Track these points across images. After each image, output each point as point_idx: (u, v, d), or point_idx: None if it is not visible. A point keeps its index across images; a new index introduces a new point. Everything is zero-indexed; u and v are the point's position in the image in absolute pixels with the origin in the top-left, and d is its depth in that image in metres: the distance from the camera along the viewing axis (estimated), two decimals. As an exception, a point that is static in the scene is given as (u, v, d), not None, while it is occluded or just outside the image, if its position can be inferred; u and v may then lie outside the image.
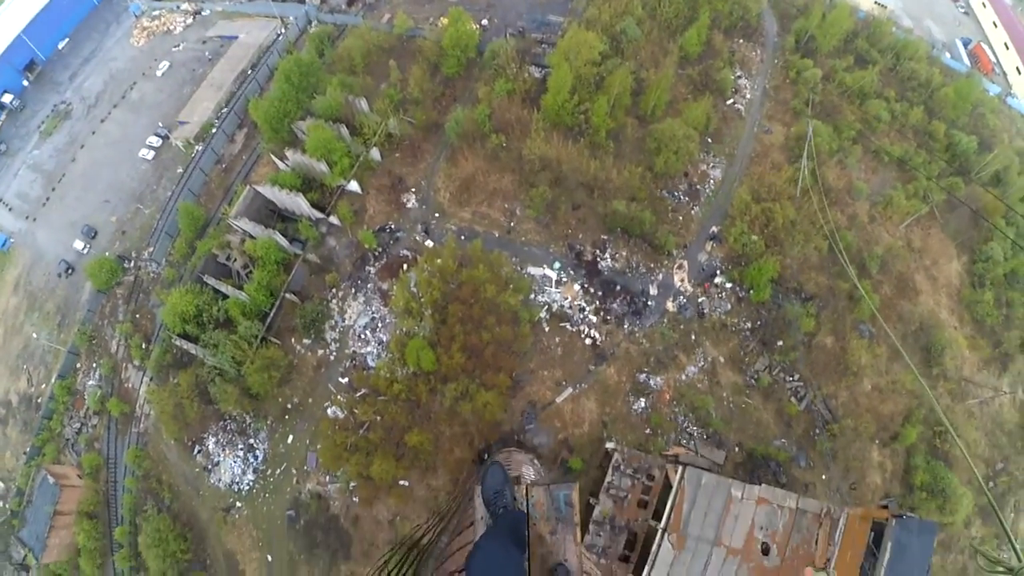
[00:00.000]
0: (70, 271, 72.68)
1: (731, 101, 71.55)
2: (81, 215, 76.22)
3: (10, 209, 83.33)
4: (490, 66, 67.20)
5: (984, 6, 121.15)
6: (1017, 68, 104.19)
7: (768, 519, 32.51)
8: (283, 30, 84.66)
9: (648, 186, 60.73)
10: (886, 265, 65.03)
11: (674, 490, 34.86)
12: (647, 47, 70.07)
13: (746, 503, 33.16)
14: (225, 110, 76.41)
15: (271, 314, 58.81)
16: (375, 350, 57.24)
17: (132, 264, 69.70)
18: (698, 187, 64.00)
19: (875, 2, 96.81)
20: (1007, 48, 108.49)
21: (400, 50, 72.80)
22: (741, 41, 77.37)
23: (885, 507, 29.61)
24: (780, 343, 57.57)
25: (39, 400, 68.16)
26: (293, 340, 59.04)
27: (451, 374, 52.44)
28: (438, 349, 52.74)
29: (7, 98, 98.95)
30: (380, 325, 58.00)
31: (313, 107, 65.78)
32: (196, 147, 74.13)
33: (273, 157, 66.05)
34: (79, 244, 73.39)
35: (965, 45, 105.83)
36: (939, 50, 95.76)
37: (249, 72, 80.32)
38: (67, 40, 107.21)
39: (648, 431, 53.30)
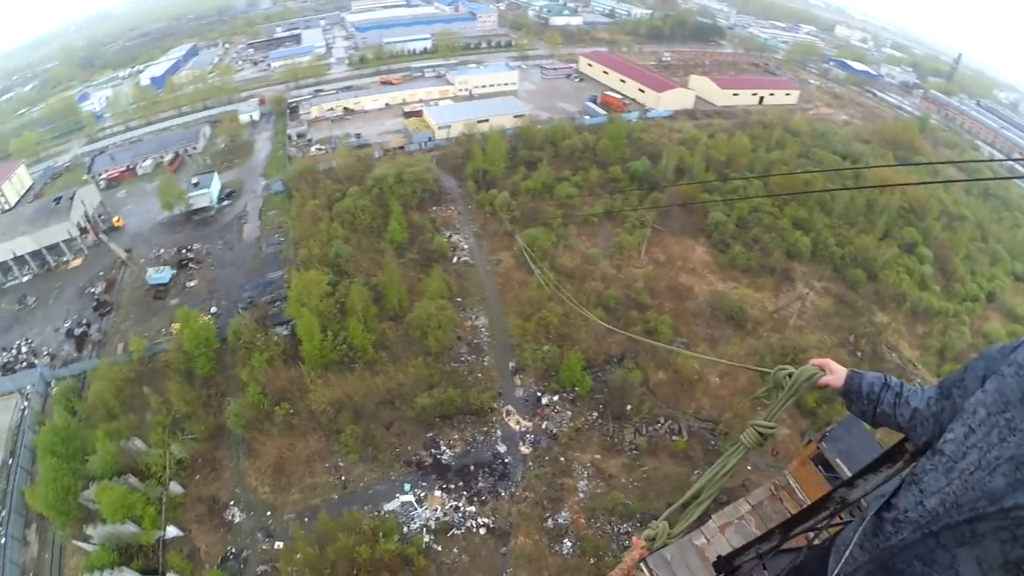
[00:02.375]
0: None
1: (456, 259, 79.65)
2: None
3: None
4: (238, 347, 66.85)
5: (590, 65, 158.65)
6: (639, 89, 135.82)
7: (740, 532, 34.12)
8: (25, 403, 74.90)
9: (435, 368, 63.63)
10: (653, 290, 74.96)
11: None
12: (363, 256, 76.13)
13: (715, 538, 34.46)
14: (3, 513, 64.04)
15: None
16: None
17: None
18: (475, 341, 68.72)
19: (514, 116, 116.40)
20: (624, 82, 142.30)
21: (148, 374, 69.20)
22: (435, 208, 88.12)
23: (809, 442, 33.04)
24: (629, 407, 61.68)
25: None
26: None
27: None
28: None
29: None
30: None
31: (91, 470, 58.68)
32: (-14, 569, 61.19)
33: (76, 543, 56.60)
34: None
35: (594, 101, 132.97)
36: (579, 118, 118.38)
37: (11, 462, 68.59)
38: None
39: (592, 561, 51.99)
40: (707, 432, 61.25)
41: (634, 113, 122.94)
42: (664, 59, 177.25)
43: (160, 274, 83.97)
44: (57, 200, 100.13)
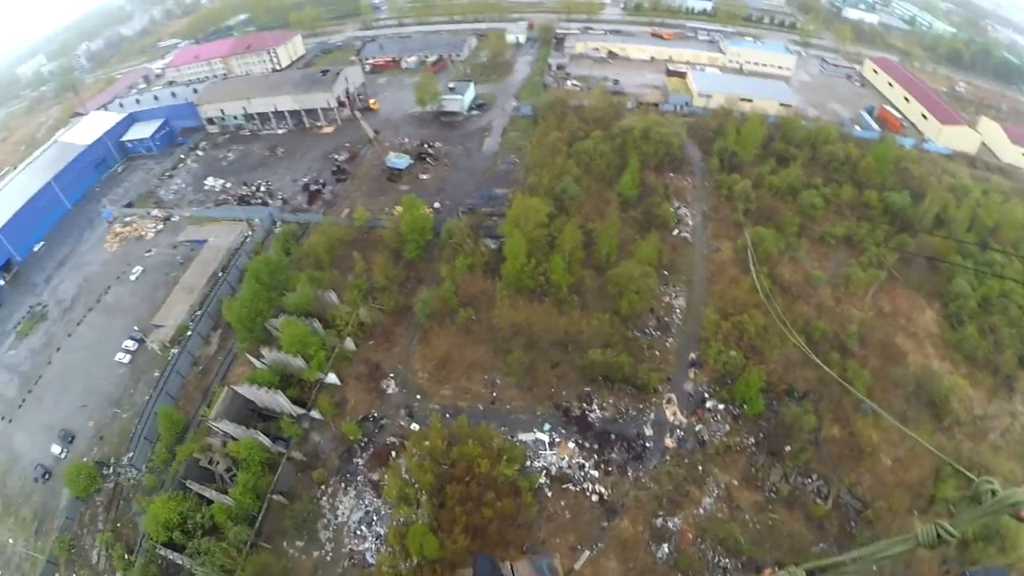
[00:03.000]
0: (47, 476, 69.46)
1: (676, 231, 75.71)
2: (58, 418, 74.36)
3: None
4: (448, 245, 70.94)
5: (876, 72, 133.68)
6: (923, 115, 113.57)
7: None
8: (250, 232, 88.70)
9: (619, 330, 62.26)
10: (864, 339, 66.26)
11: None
12: (588, 200, 75.34)
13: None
14: (199, 312, 77.88)
15: (259, 517, 56.56)
16: (373, 545, 54.61)
17: (111, 470, 67.06)
18: (666, 319, 65.83)
19: (780, 104, 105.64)
20: (908, 101, 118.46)
21: (362, 241, 76.50)
22: (672, 175, 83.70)
23: (947, 572, 28.54)
24: (788, 448, 56.65)
25: None
26: (285, 543, 56.29)
27: (457, 559, 49.58)
28: (440, 534, 50.31)
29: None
30: (375, 518, 55.86)
31: (284, 304, 67.51)
32: (172, 350, 74.45)
33: (249, 356, 66.57)
34: (56, 448, 70.68)
35: (870, 113, 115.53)
36: (848, 126, 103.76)
37: (220, 274, 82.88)
38: (43, 243, 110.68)
39: None
40: (853, 511, 54.48)
41: (909, 139, 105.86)
42: (957, 88, 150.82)
43: (399, 160, 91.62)
44: (324, 72, 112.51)
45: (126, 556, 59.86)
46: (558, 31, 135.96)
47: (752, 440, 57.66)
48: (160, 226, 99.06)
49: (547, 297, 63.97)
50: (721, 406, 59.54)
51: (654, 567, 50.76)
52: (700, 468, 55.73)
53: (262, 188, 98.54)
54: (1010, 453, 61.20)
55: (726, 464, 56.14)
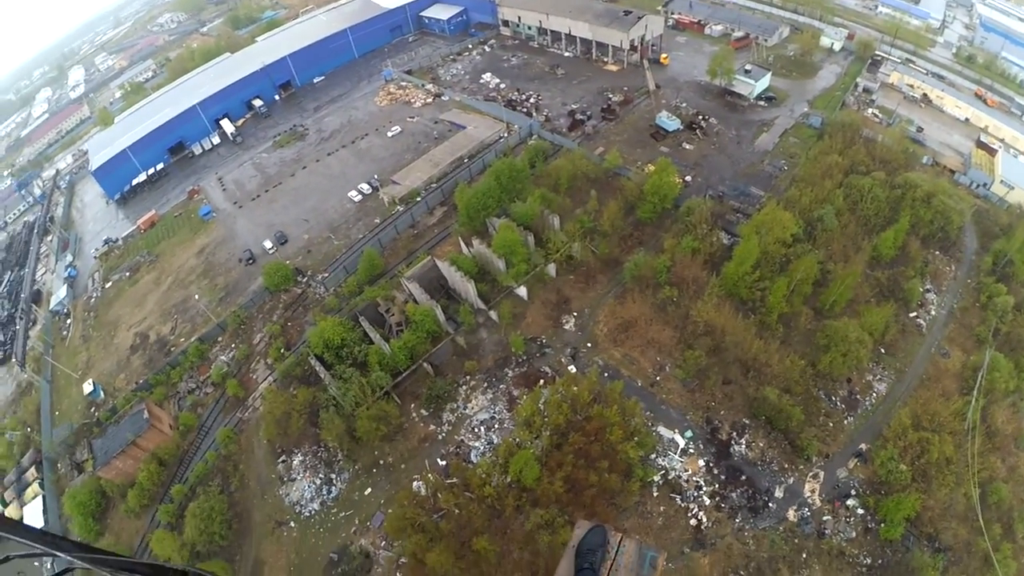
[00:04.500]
0: (251, 261, 79.87)
1: (914, 314, 67.64)
2: (280, 221, 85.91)
3: (224, 189, 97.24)
4: (682, 221, 69.50)
5: None
6: None
7: None
8: (506, 134, 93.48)
9: (807, 382, 58.21)
10: None
11: None
12: (840, 240, 69.16)
13: None
14: (434, 185, 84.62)
15: (404, 374, 61.56)
16: (482, 447, 57.99)
17: (305, 280, 75.30)
18: (858, 397, 60.14)
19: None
20: None
21: (603, 183, 77.42)
22: (937, 253, 73.90)
23: None
24: None
25: (172, 348, 72.71)
26: (412, 406, 61.11)
27: (544, 499, 51.41)
28: (543, 471, 52.15)
29: (257, 102, 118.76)
30: (497, 426, 59.08)
31: (511, 209, 71.22)
32: (398, 207, 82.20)
33: (460, 240, 71.62)
34: (268, 244, 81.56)
35: None
36: None
37: (466, 160, 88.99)
38: (323, 78, 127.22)
39: None
40: None
41: None
42: None
43: (670, 121, 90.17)
44: (627, 13, 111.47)
45: (282, 350, 68.53)
46: (877, 53, 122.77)
47: (868, 561, 52.09)
48: (429, 99, 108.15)
49: (754, 315, 61.04)
50: (860, 511, 54.10)
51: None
52: (804, 556, 51.78)
53: (531, 100, 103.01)
54: None
55: (830, 568, 51.47)
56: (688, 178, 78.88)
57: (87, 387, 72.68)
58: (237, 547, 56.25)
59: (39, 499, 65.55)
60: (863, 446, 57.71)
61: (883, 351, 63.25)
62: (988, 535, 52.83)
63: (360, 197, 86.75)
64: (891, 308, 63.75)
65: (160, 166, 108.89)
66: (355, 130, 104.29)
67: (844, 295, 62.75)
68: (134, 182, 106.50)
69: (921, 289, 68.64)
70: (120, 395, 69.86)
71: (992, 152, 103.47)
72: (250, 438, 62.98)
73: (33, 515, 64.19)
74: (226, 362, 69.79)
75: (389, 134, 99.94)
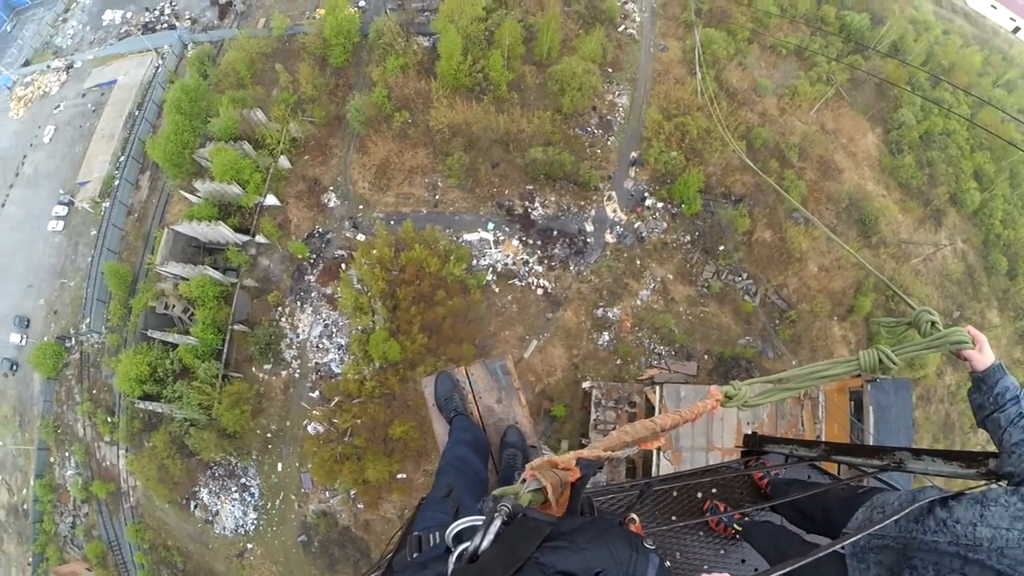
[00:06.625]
0: (14, 368, 69.12)
1: (622, 27, 71.89)
2: (8, 307, 72.32)
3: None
4: (377, 46, 65.70)
5: None
6: None
7: (752, 413, 33.39)
8: (160, 61, 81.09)
9: (560, 128, 60.98)
10: (805, 152, 66.48)
11: (657, 410, 35.72)
12: (527, -9, 69.93)
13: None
14: (122, 159, 73.02)
15: (224, 350, 57.50)
16: (337, 356, 56.83)
17: (73, 342, 66.74)
18: (608, 118, 64.48)
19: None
20: None
21: (284, 52, 70.75)
22: (618, -34, 77.83)
23: (858, 375, 30.64)
24: (721, 248, 59.12)
25: (25, 507, 65.53)
26: (254, 369, 58.24)
27: (417, 358, 52.32)
28: (399, 336, 52.50)
29: None
30: (335, 330, 57.54)
31: (210, 131, 63.64)
32: (103, 204, 70.98)
33: (183, 193, 64.14)
34: (15, 337, 69.60)
35: None
36: None
37: (136, 113, 76.96)
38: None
39: (619, 362, 54.35)
40: (776, 310, 58.34)
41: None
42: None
43: None
44: None
45: (109, 419, 61.31)
46: None
47: (688, 238, 59.50)
48: (64, 77, 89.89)
49: (486, 96, 61.43)
50: (660, 205, 60.50)
51: (596, 353, 54.77)
52: (638, 263, 57.96)
53: (166, 11, 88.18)
54: (929, 280, 64.37)
55: (663, 260, 58.35)
56: (362, 3, 73.80)
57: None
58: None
59: None
60: (634, 154, 63.03)
61: (610, 70, 67.10)
62: (767, 172, 61.09)
63: (61, 224, 73.80)
64: (600, 31, 66.63)
65: None
66: (10, 161, 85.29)
67: (554, 40, 64.48)
68: None
69: (619, 3, 72.71)
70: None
71: None
72: (154, 514, 59.24)
73: None
74: (76, 473, 62.87)
75: (46, 140, 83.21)
